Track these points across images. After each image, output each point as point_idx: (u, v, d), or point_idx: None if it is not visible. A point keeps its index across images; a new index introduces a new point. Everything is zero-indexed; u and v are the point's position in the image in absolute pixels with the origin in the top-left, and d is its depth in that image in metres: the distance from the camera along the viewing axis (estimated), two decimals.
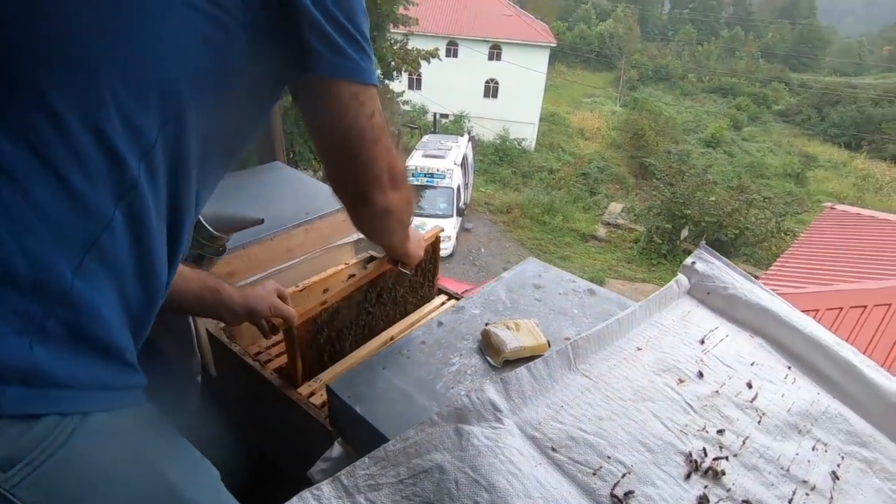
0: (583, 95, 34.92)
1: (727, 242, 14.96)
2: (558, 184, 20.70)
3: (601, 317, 1.19)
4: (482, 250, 14.64)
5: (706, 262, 1.22)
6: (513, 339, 1.00)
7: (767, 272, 8.72)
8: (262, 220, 1.28)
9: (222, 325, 1.36)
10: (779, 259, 9.20)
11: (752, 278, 1.23)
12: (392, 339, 1.28)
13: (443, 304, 1.47)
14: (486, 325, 1.08)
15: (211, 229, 1.21)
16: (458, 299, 1.47)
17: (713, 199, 14.76)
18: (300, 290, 1.46)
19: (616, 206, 18.87)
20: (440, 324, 1.13)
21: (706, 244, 1.28)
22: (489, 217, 16.75)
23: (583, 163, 23.34)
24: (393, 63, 12.25)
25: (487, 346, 1.04)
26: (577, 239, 16.29)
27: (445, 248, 13.31)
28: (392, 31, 12.84)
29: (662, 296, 1.14)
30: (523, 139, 23.63)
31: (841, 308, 6.93)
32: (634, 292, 13.45)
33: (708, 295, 1.18)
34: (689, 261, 1.21)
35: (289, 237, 1.58)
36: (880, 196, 25.15)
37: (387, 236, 0.97)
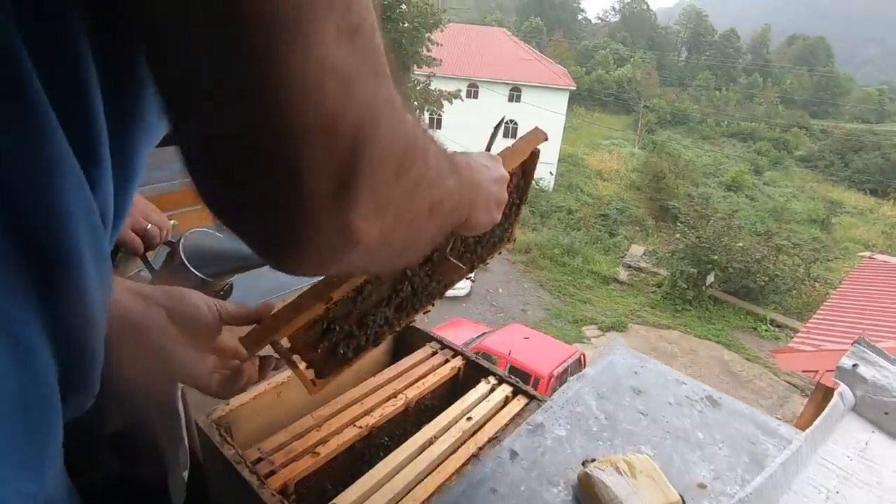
0: (601, 137, 35.12)
1: (755, 290, 14.41)
2: (577, 224, 20.46)
3: (737, 444, 0.88)
4: (500, 290, 14.28)
5: (873, 366, 0.90)
6: (631, 495, 0.69)
7: (808, 325, 8.20)
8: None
9: (215, 415, 1.05)
10: (818, 311, 8.67)
11: None
12: (431, 441, 0.93)
13: (446, 361, 1.15)
14: (584, 464, 0.77)
15: (198, 273, 0.91)
16: (465, 358, 1.15)
17: (741, 244, 14.31)
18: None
19: (637, 249, 18.47)
20: (514, 454, 0.82)
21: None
22: (507, 257, 16.46)
23: (602, 204, 23.16)
24: (416, 103, 12.40)
25: (593, 501, 0.73)
26: (598, 281, 15.86)
27: (462, 288, 13.00)
28: (416, 71, 13.07)
29: (828, 419, 0.83)
30: (541, 179, 23.60)
31: None
32: (659, 339, 12.89)
33: (886, 416, 0.86)
34: (847, 362, 0.89)
35: None
36: None
37: (407, 254, 0.46)
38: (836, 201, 29.14)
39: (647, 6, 69.50)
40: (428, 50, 12.49)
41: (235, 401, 1.02)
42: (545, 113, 23.72)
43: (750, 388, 11.37)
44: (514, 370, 8.56)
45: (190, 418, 1.15)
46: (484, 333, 9.75)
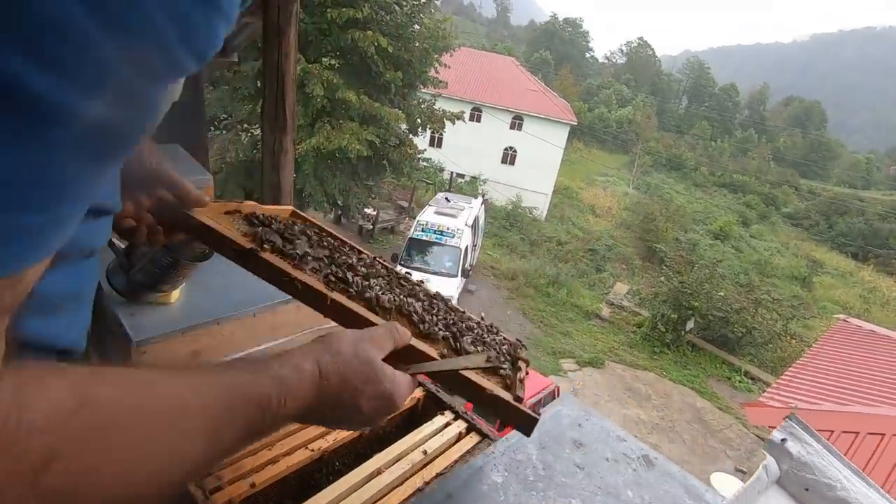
0: (597, 174, 35.70)
1: (733, 340, 14.58)
2: (566, 256, 20.62)
3: None
4: (483, 314, 14.20)
5: (801, 443, 0.93)
6: None
7: (779, 381, 8.32)
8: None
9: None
10: (790, 369, 8.81)
11: (864, 474, 0.95)
12: (379, 471, 0.96)
13: (447, 425, 1.16)
14: None
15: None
16: (425, 390, 1.17)
17: (722, 293, 14.52)
18: None
19: (622, 287, 18.63)
20: (448, 497, 0.84)
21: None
22: (493, 281, 16.51)
23: (591, 238, 23.43)
24: (419, 120, 12.54)
25: None
26: (580, 315, 15.94)
27: None
28: (422, 90, 13.26)
29: (751, 490, 0.86)
30: (535, 208, 23.86)
31: (857, 433, 6.52)
32: (635, 379, 12.94)
33: (807, 492, 0.90)
34: (777, 436, 0.93)
35: (274, 314, 1.32)
36: (886, 311, 24.91)
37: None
38: (819, 261, 29.81)
39: (653, 52, 71.53)
40: (436, 71, 12.69)
41: None
42: (544, 144, 24.11)
43: (719, 437, 11.42)
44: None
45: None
46: None
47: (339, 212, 14.28)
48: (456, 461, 1.00)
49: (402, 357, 0.65)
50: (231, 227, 0.77)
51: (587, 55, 74.86)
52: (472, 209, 14.87)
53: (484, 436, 1.07)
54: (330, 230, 1.02)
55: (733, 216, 31.83)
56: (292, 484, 0.98)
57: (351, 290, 0.74)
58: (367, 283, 0.78)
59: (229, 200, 0.86)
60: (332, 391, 0.53)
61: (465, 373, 0.68)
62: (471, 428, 1.09)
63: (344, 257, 0.88)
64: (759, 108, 66.96)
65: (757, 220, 34.72)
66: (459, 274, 13.29)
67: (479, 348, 0.80)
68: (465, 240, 13.48)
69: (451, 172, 22.43)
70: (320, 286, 0.71)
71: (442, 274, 12.88)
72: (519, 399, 0.70)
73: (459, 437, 1.07)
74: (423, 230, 13.48)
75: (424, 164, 15.40)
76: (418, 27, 12.14)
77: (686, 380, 13.36)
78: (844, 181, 53.06)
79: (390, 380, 0.58)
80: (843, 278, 29.06)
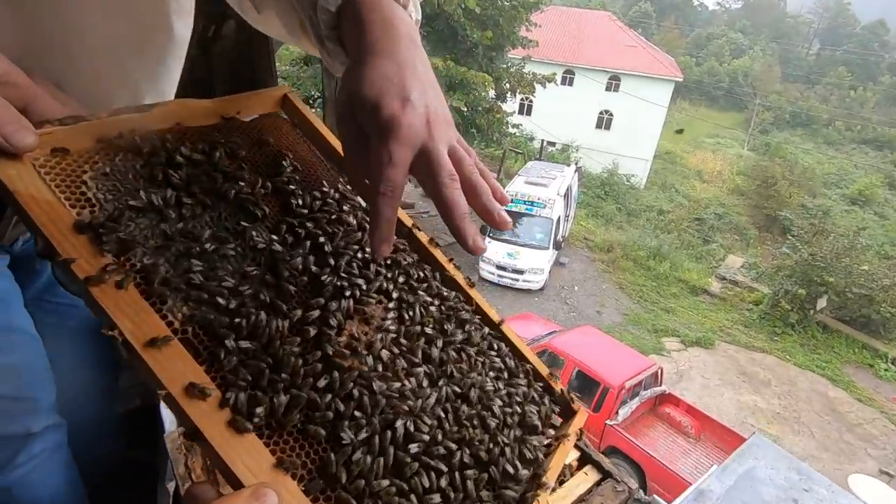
0: (705, 135, 32.39)
1: (877, 321, 12.54)
2: (668, 227, 19.04)
3: None
4: (575, 288, 13.60)
5: None
6: None
7: None
8: None
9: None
10: None
11: None
12: None
13: (578, 468, 0.79)
14: None
15: None
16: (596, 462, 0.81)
17: (865, 267, 12.45)
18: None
19: (735, 260, 16.80)
20: None
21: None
22: (587, 254, 15.64)
23: (698, 207, 21.38)
24: (507, 85, 11.95)
25: None
26: (686, 290, 14.62)
27: (536, 282, 12.52)
28: (510, 53, 12.59)
29: None
30: (633, 175, 22.20)
31: None
32: (751, 362, 11.63)
33: None
34: None
35: None
36: None
37: None
38: None
39: None
40: (527, 29, 11.95)
41: None
42: (644, 106, 22.12)
43: (858, 433, 9.92)
44: (581, 375, 8.06)
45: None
46: (553, 332, 9.28)
47: None
48: None
49: None
50: (71, 187, 0.44)
51: (695, 3, 67.31)
52: (565, 178, 14.07)
53: (607, 474, 0.72)
54: (324, 136, 0.65)
55: (877, 177, 27.19)
56: None
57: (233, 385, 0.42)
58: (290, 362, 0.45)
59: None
60: None
61: None
62: (586, 459, 0.75)
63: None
64: None
65: None
66: (551, 246, 12.72)
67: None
68: (556, 210, 12.82)
69: (542, 141, 21.45)
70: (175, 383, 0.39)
71: (532, 246, 12.41)
72: None
73: (570, 473, 0.73)
74: (512, 200, 13.01)
75: (514, 130, 14.74)
76: None
77: (815, 365, 11.77)
78: None
79: None
80: None
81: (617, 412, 7.55)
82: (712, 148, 29.71)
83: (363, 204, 0.63)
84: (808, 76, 46.31)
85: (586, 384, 7.97)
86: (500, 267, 12.37)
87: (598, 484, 0.76)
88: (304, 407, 0.44)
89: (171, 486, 0.92)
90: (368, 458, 0.43)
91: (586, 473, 0.77)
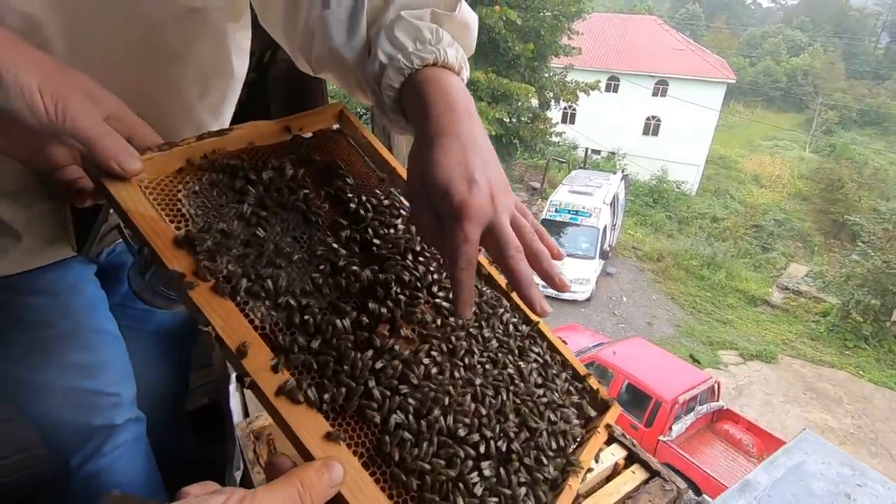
0: (762, 137, 30.84)
1: None
2: (722, 234, 18.20)
3: None
4: (624, 299, 13.21)
5: None
6: None
7: None
8: None
9: (255, 425, 0.90)
10: None
11: None
12: None
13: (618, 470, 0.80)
14: None
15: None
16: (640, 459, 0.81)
17: None
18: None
19: (798, 269, 15.82)
20: None
21: None
22: (636, 263, 15.18)
23: (756, 213, 20.32)
24: (550, 94, 11.90)
25: None
26: (743, 301, 13.89)
27: (583, 292, 12.27)
28: (553, 62, 12.55)
29: None
30: (683, 182, 21.40)
31: None
32: (819, 378, 10.87)
33: None
34: None
35: None
36: None
37: None
38: None
39: None
40: (569, 38, 11.90)
41: None
42: (694, 110, 21.36)
43: None
44: (632, 389, 7.81)
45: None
46: (601, 343, 9.04)
47: None
48: None
49: None
50: (170, 204, 0.52)
51: (748, 1, 64.60)
52: (611, 186, 13.78)
53: (655, 473, 0.73)
54: (388, 161, 0.72)
55: None
56: None
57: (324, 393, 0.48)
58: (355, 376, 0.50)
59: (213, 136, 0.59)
60: None
61: None
62: (633, 458, 0.76)
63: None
64: None
65: None
66: (597, 255, 12.45)
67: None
68: (603, 219, 12.57)
69: (586, 149, 21.11)
70: (268, 380, 0.45)
71: (577, 256, 12.20)
72: None
73: (615, 471, 0.75)
74: (556, 210, 12.88)
75: (557, 139, 14.61)
76: None
77: (894, 382, 10.85)
78: None
79: None
80: None
81: (670, 428, 7.25)
82: (770, 151, 28.23)
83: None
84: (876, 71, 43.25)
85: (637, 398, 7.70)
86: None
87: (645, 482, 0.77)
88: (361, 395, 0.49)
89: (238, 475, 1.00)
90: (417, 441, 0.48)
91: (633, 472, 0.78)
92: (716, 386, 8.08)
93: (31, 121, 0.45)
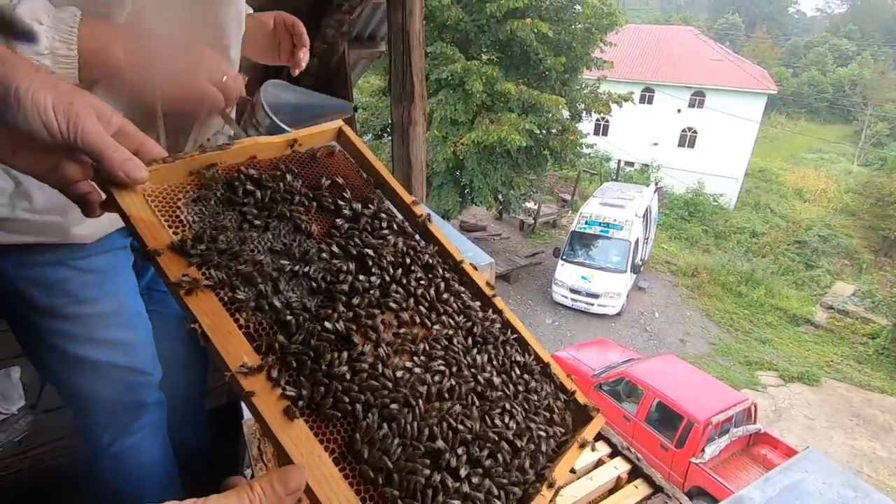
0: (805, 150, 29.69)
1: None
2: (762, 250, 17.54)
3: None
4: (656, 314, 12.86)
5: None
6: None
7: None
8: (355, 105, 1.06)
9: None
10: None
11: None
12: None
13: (598, 463, 0.81)
14: None
15: (278, 122, 0.86)
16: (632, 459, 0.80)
17: None
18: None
19: (844, 287, 15.06)
20: None
21: None
22: (669, 278, 14.77)
23: (799, 228, 19.50)
24: (581, 106, 11.81)
25: None
26: (784, 320, 13.30)
27: (613, 306, 12.02)
28: (585, 74, 12.46)
29: None
30: (721, 195, 20.77)
31: None
32: (866, 404, 10.26)
33: None
34: None
35: None
36: None
37: None
38: None
39: None
40: (601, 51, 11.82)
41: None
42: (732, 121, 20.76)
43: None
44: (662, 407, 7.56)
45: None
46: (631, 360, 8.80)
47: (501, 207, 14.26)
48: None
49: None
50: (170, 211, 0.55)
51: (790, 10, 62.57)
52: (643, 198, 13.50)
53: (658, 489, 0.72)
54: (380, 172, 0.75)
55: None
56: None
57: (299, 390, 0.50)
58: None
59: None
60: None
61: None
62: (637, 472, 0.75)
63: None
64: None
65: None
66: (629, 269, 12.19)
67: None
68: (634, 232, 12.31)
69: (619, 161, 20.78)
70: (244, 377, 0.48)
71: (608, 269, 11.98)
72: None
73: (618, 485, 0.74)
74: (586, 222, 12.70)
75: (588, 150, 14.45)
76: (579, 7, 11.44)
77: None
78: None
79: None
80: None
81: (703, 450, 6.96)
82: (814, 164, 27.10)
83: (402, 221, 0.72)
84: None
85: (668, 417, 7.44)
86: (573, 290, 12.03)
87: (648, 498, 0.76)
88: (335, 393, 0.51)
89: (248, 473, 1.04)
90: (388, 440, 0.50)
91: (636, 486, 0.77)
92: (752, 408, 7.73)
93: (46, 137, 0.50)
